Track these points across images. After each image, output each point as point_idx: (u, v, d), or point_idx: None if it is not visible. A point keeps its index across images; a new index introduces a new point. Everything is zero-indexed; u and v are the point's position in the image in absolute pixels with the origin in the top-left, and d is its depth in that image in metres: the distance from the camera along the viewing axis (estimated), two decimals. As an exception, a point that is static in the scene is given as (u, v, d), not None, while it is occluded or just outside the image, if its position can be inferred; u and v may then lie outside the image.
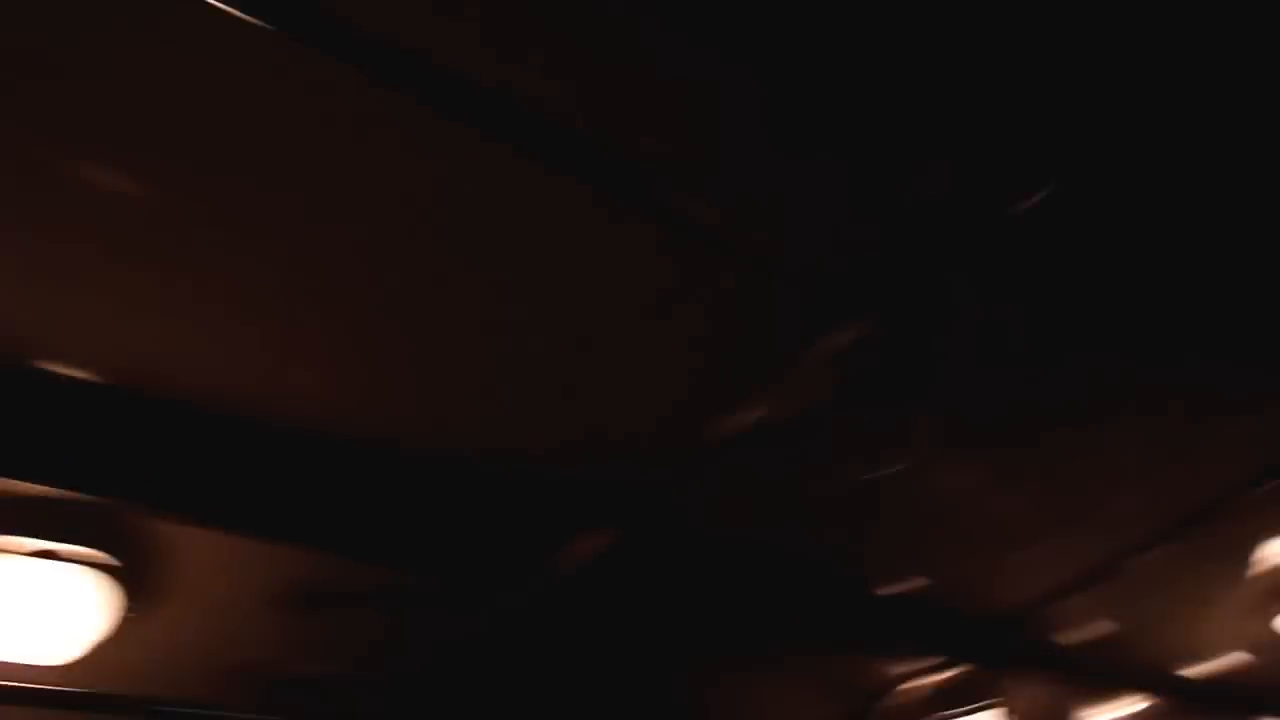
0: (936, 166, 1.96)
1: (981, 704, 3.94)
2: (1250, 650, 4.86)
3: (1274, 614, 4.26)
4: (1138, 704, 4.80)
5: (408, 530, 2.59)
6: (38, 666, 2.75)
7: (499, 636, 3.03)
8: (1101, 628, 4.15)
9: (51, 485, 2.20)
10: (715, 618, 3.02)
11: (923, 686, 3.89)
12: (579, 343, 2.27)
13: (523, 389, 2.38)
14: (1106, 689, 4.42)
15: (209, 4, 1.59)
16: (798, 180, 1.97)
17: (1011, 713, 3.81)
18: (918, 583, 3.38)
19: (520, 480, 2.65)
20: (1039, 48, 1.81)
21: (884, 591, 3.34)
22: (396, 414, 2.39)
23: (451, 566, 2.65)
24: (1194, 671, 4.90)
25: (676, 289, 2.16)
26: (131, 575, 2.64)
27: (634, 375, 2.40)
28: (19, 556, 2.47)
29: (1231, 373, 2.80)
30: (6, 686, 2.85)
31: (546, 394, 2.41)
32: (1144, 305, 2.47)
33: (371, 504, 2.53)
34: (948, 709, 3.96)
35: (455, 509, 2.62)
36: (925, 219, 2.07)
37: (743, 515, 2.92)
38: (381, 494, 2.52)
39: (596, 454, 2.61)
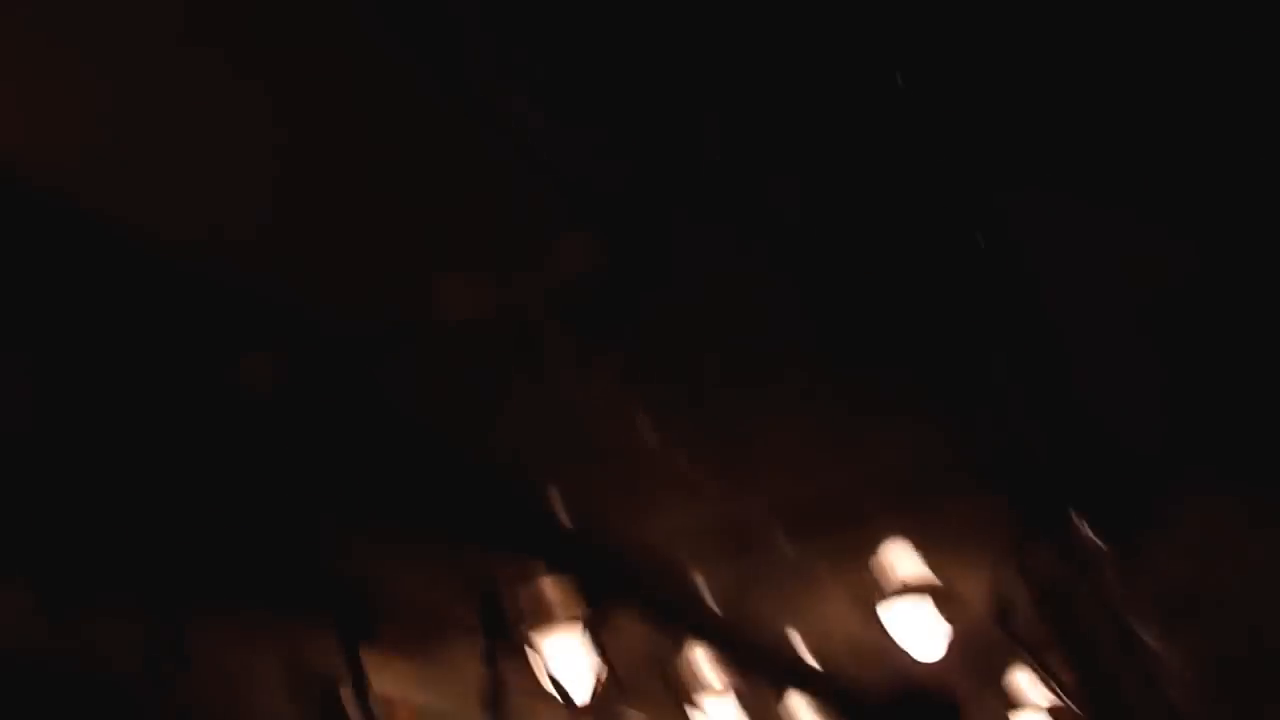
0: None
1: (576, 620, 4.02)
2: (847, 641, 5.19)
3: (874, 611, 4.58)
4: (731, 672, 5.11)
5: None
6: None
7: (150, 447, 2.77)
8: (716, 585, 4.37)
9: None
10: (357, 482, 3.00)
11: (534, 594, 3.94)
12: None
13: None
14: (694, 640, 4.66)
15: None
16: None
17: (602, 643, 3.89)
18: (555, 499, 3.49)
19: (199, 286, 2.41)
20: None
21: (519, 498, 3.45)
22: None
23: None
24: (792, 649, 5.25)
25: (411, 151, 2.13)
26: None
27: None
28: None
29: (894, 378, 3.00)
30: None
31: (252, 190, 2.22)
32: (821, 300, 2.65)
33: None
34: (549, 621, 3.98)
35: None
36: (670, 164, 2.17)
37: (422, 401, 2.90)
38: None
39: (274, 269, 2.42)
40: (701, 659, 5.07)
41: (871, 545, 4.29)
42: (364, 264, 2.41)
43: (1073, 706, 5.46)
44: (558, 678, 4.15)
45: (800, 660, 5.37)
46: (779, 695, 5.76)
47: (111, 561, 2.97)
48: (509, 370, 2.79)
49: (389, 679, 4.11)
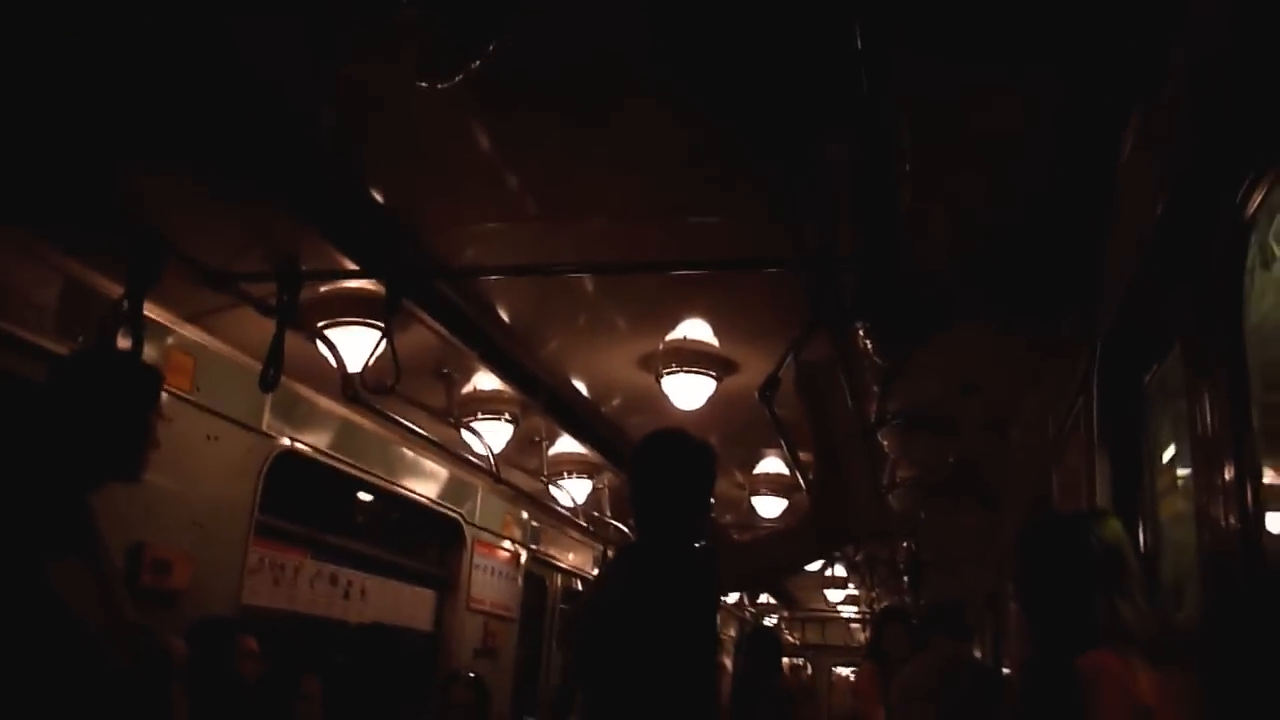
0: None
1: (372, 321, 4.12)
2: (623, 393, 5.51)
3: (662, 375, 4.91)
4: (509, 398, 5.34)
5: None
6: None
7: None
8: (513, 310, 4.45)
9: None
10: (161, 117, 2.77)
11: (334, 288, 4.01)
12: None
13: None
14: (481, 361, 4.70)
15: None
16: None
17: (394, 347, 3.94)
18: (371, 189, 3.40)
19: None
20: None
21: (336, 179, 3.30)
22: None
23: None
24: (572, 388, 5.48)
25: None
26: None
27: None
28: None
29: (732, 145, 2.96)
30: None
31: None
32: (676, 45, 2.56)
33: None
34: (344, 316, 4.14)
35: None
36: None
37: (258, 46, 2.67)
38: None
39: None
40: (487, 380, 5.25)
41: (670, 308, 4.46)
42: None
43: (804, 487, 6.09)
44: (348, 370, 4.22)
45: (577, 399, 5.63)
46: (549, 429, 6.08)
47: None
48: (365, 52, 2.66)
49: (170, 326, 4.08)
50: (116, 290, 3.49)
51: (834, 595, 15.03)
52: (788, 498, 7.54)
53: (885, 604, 11.84)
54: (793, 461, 5.69)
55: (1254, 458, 1.82)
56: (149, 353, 3.62)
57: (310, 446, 5.17)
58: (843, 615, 16.93)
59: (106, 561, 2.48)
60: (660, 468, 2.93)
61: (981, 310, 4.06)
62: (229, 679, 3.92)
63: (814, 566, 8.82)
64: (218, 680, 3.84)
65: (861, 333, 4.06)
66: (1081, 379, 3.36)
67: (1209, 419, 1.97)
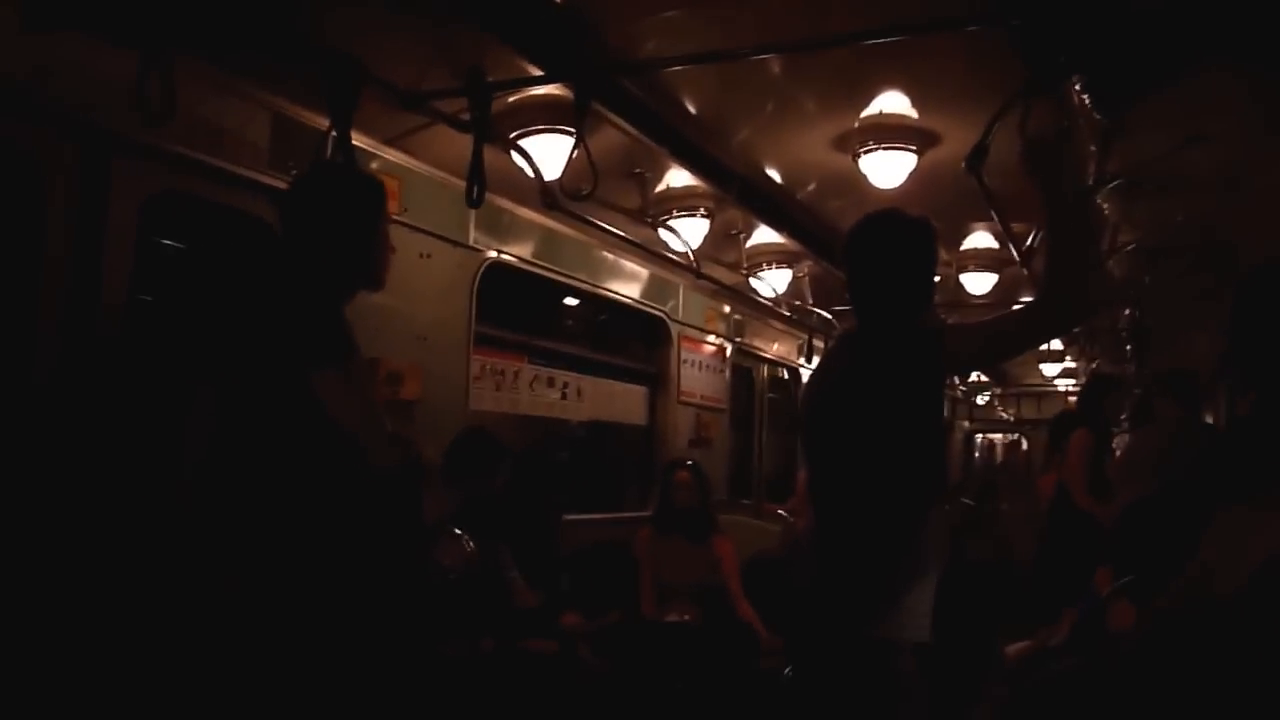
0: None
1: (565, 128, 4.09)
2: (819, 178, 5.33)
3: (858, 154, 4.69)
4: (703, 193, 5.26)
5: None
6: None
7: None
8: (701, 102, 4.32)
9: None
10: None
11: (524, 97, 3.99)
12: None
13: None
14: (673, 158, 4.65)
15: None
16: None
17: (588, 149, 3.88)
18: None
19: None
20: None
21: None
22: None
23: None
24: (766, 177, 5.33)
25: None
26: None
27: None
28: None
29: None
30: None
31: None
32: None
33: None
34: (534, 124, 4.14)
35: None
36: None
37: None
38: None
39: None
40: (679, 176, 5.22)
41: (862, 82, 4.24)
42: None
43: (1017, 259, 5.81)
44: (545, 179, 4.28)
45: (772, 187, 5.53)
46: (746, 220, 6.03)
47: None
48: None
49: (373, 150, 4.24)
50: (322, 122, 3.64)
51: (1050, 369, 14.56)
52: (998, 272, 7.24)
53: (1098, 369, 11.25)
54: (1005, 234, 5.43)
55: None
56: (358, 178, 3.79)
57: (516, 257, 5.34)
58: (1059, 389, 16.43)
59: (363, 372, 2.69)
60: (876, 251, 2.82)
61: (1209, 53, 3.64)
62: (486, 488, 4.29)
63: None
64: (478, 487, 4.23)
65: (1079, 88, 3.73)
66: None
67: None
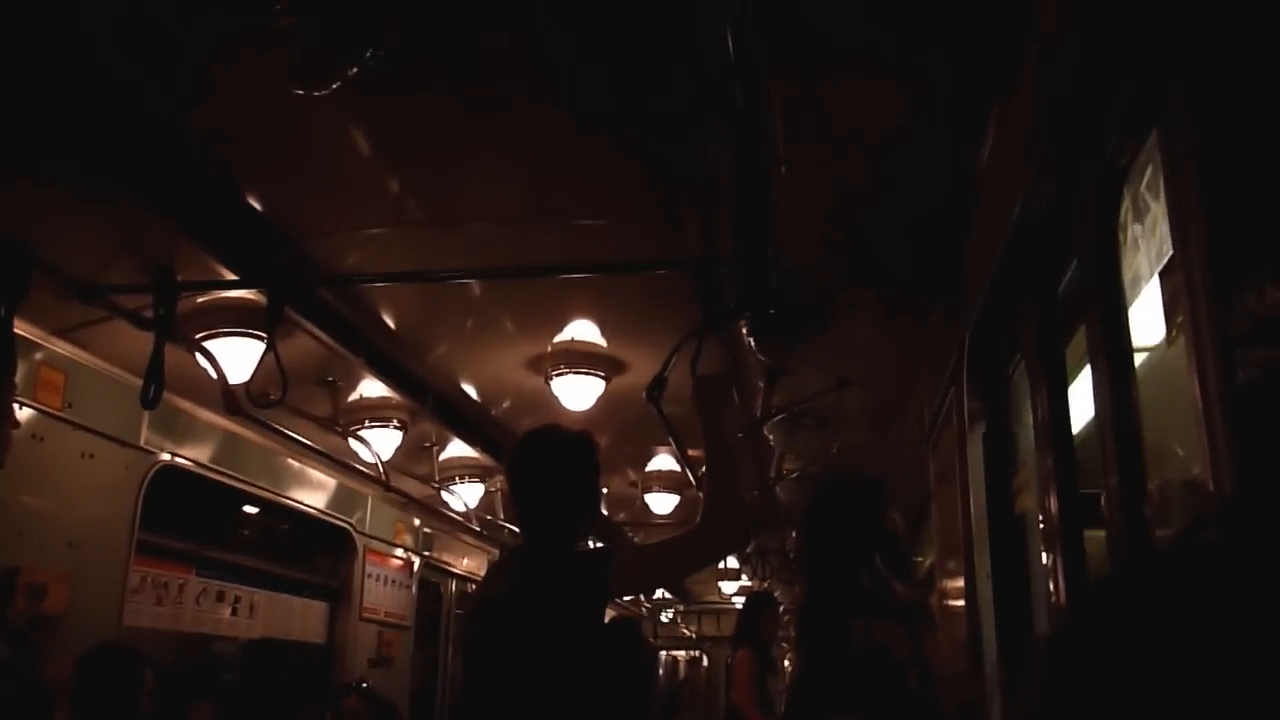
0: None
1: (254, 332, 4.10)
2: (513, 396, 5.59)
3: (551, 376, 4.99)
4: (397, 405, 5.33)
5: None
6: None
7: None
8: (398, 314, 4.50)
9: None
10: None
11: (213, 298, 3.99)
12: None
13: None
14: (366, 368, 4.75)
15: None
16: None
17: (278, 356, 3.83)
18: (251, 194, 3.40)
19: None
20: None
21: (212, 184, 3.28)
22: None
23: None
24: (461, 391, 5.55)
25: None
26: None
27: None
28: None
29: (611, 155, 3.06)
30: None
31: None
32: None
33: None
34: (226, 326, 4.14)
35: None
36: None
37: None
38: None
39: None
40: (374, 386, 5.20)
41: (557, 310, 4.50)
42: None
43: (694, 484, 6.20)
44: (230, 383, 4.11)
45: (467, 403, 5.62)
46: (440, 434, 6.05)
47: None
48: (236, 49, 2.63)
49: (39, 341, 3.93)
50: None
51: (728, 587, 15.25)
52: (679, 493, 7.64)
53: (753, 589, 12.04)
54: (682, 458, 5.79)
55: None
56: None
57: (193, 461, 5.03)
58: (737, 606, 17.17)
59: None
60: (536, 466, 2.82)
61: (859, 307, 4.21)
62: (126, 710, 3.78)
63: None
64: (113, 710, 3.70)
65: (745, 331, 4.16)
66: (952, 371, 3.52)
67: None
